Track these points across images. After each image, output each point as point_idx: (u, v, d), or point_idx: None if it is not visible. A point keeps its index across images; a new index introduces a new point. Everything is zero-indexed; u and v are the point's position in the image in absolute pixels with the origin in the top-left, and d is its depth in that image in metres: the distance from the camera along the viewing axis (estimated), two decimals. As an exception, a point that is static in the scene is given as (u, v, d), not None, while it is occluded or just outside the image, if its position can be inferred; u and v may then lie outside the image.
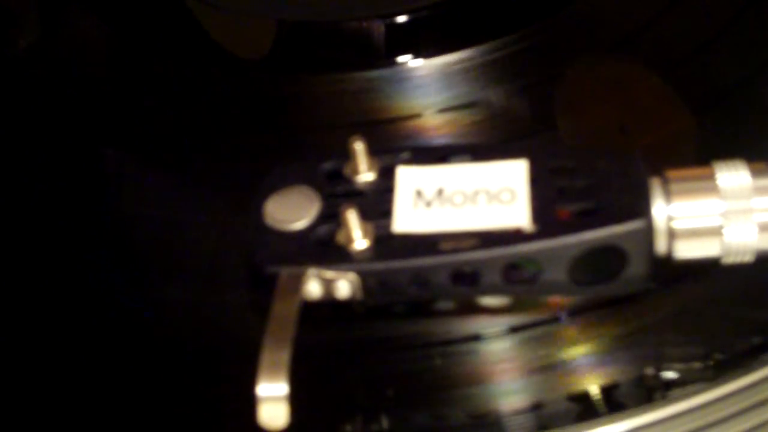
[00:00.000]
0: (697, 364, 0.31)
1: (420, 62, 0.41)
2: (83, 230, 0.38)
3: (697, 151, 0.37)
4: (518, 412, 0.30)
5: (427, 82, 0.41)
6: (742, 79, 0.39)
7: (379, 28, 0.42)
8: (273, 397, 0.27)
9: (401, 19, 0.42)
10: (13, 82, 0.44)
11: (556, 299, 0.32)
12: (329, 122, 0.40)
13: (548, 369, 0.31)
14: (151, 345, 0.34)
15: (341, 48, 0.43)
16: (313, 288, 0.30)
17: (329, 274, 0.30)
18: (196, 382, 0.33)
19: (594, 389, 0.30)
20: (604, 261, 0.30)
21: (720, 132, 0.37)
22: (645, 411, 0.30)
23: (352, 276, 0.30)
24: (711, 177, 0.30)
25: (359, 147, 0.31)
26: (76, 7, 0.47)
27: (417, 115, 0.40)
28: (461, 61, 0.41)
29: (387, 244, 0.30)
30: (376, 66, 0.41)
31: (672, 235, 0.30)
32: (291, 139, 0.40)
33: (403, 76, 0.41)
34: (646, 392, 0.30)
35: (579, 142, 0.38)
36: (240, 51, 0.44)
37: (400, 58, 0.41)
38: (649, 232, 0.29)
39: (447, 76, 0.40)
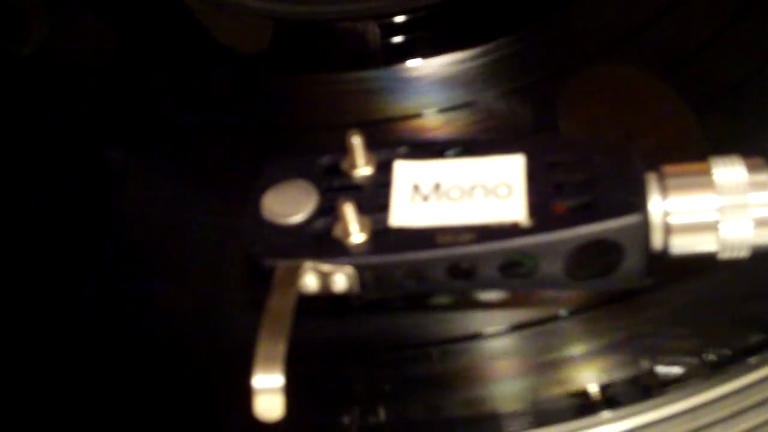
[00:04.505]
0: (694, 362, 0.30)
1: (420, 62, 0.41)
2: (84, 230, 0.38)
3: (698, 150, 0.37)
4: (515, 409, 0.30)
5: (427, 82, 0.41)
6: (742, 79, 0.39)
7: (379, 27, 0.42)
8: (269, 388, 0.27)
9: (402, 18, 0.42)
10: (19, 83, 0.44)
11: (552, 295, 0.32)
12: (329, 122, 0.40)
13: (545, 366, 0.31)
14: (151, 344, 0.34)
15: (341, 47, 0.43)
16: (309, 281, 0.30)
17: (326, 267, 0.30)
18: (195, 381, 0.33)
19: (591, 386, 0.30)
20: (600, 256, 0.30)
21: (720, 131, 0.37)
22: (642, 409, 0.30)
23: (348, 269, 0.30)
24: (707, 172, 0.30)
25: (357, 141, 0.32)
26: (82, 8, 0.47)
27: (417, 115, 0.40)
28: (461, 61, 0.41)
29: (384, 237, 0.30)
30: (377, 66, 0.41)
31: (668, 230, 0.30)
32: (291, 139, 0.40)
33: (403, 76, 0.41)
34: (643, 389, 0.30)
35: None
36: (240, 50, 0.45)
37: (401, 58, 0.41)
38: (644, 227, 0.29)
39: (447, 76, 0.41)
